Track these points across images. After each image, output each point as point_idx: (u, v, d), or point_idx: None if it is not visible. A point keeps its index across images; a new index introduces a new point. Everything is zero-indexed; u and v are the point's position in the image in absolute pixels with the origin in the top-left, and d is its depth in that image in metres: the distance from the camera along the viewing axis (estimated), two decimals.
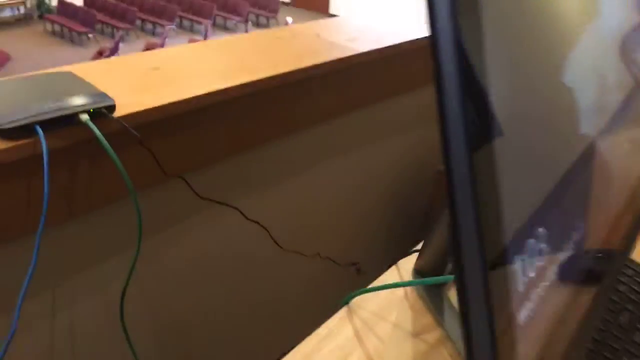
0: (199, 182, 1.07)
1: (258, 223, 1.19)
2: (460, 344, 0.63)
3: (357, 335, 0.65)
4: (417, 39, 1.29)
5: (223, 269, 1.21)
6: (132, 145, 0.91)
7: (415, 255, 0.78)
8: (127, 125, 0.82)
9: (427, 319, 0.68)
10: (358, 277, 1.44)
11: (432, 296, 0.70)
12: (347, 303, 0.70)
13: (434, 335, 0.65)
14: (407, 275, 0.74)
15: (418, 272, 0.72)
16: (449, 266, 0.68)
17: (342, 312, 0.68)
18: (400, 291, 0.72)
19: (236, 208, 1.14)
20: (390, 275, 0.75)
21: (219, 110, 1.02)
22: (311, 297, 1.48)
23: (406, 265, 0.76)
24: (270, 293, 1.35)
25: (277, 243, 1.24)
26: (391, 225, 1.62)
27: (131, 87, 0.94)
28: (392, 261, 1.61)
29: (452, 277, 0.55)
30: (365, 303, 0.70)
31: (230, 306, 1.28)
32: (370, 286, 0.69)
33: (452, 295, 0.72)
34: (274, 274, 1.33)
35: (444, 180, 0.27)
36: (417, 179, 1.63)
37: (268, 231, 1.22)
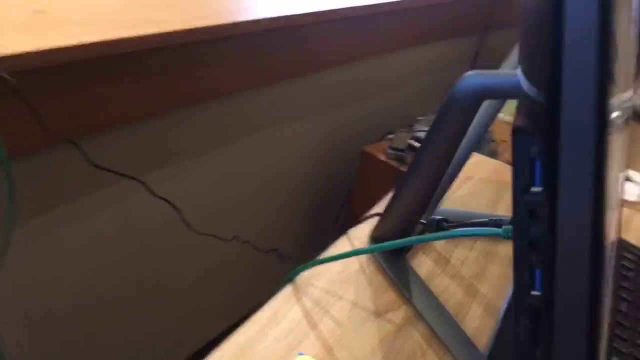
0: (94, 149, 0.87)
1: (167, 201, 1.01)
2: (434, 321, 0.52)
3: (308, 317, 0.51)
4: (351, 8, 1.18)
5: (123, 253, 1.02)
6: (9, 99, 0.71)
7: (368, 224, 0.66)
8: None
9: (390, 295, 0.56)
10: (281, 264, 1.30)
11: (395, 268, 0.58)
12: (291, 280, 0.56)
13: (400, 313, 0.54)
14: (361, 246, 0.62)
15: (376, 240, 0.60)
16: (418, 229, 0.57)
17: (286, 291, 0.55)
18: (354, 264, 0.59)
19: (141, 181, 0.96)
20: (340, 247, 0.62)
21: (118, 65, 0.83)
22: (229, 286, 1.32)
23: (358, 235, 0.64)
24: (182, 282, 1.17)
25: (188, 225, 1.07)
26: (315, 207, 1.51)
27: (8, 30, 0.73)
28: (313, 246, 1.49)
29: (426, 237, 0.44)
30: (314, 279, 0.56)
31: (132, 296, 1.09)
32: (319, 257, 0.56)
33: (420, 264, 0.61)
34: (186, 260, 1.15)
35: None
36: (341, 158, 1.53)
37: (179, 210, 1.04)
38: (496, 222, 0.42)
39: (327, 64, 1.27)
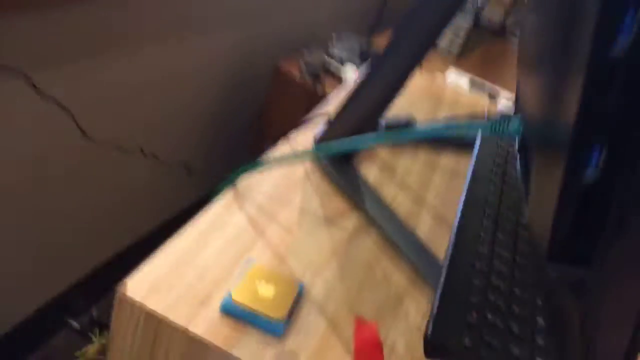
0: None
1: (57, 102, 0.86)
2: (387, 227, 0.49)
3: (254, 224, 0.45)
4: None
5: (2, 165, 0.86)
6: None
7: (310, 128, 0.59)
8: None
9: (339, 201, 0.51)
10: (189, 179, 1.20)
11: (344, 174, 0.53)
12: (231, 183, 0.49)
13: (352, 220, 0.50)
14: (304, 150, 0.56)
15: (322, 143, 0.54)
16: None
17: (227, 197, 0.47)
18: (299, 170, 0.53)
19: (23, 73, 0.80)
20: (282, 152, 0.55)
21: None
22: (135, 199, 1.20)
23: (299, 139, 0.58)
24: (79, 198, 1.04)
25: (84, 132, 0.93)
26: (224, 123, 1.40)
27: None
28: (222, 162, 1.40)
29: (370, 140, 0.39)
30: (257, 185, 0.50)
31: (20, 216, 0.94)
32: (261, 160, 0.49)
33: (366, 173, 0.56)
34: (84, 172, 1.01)
35: None
36: (252, 72, 1.43)
37: (72, 114, 0.89)
38: (475, 119, 0.38)
39: None
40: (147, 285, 0.37)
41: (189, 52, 1.12)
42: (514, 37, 1.99)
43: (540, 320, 0.43)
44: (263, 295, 0.38)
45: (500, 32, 1.98)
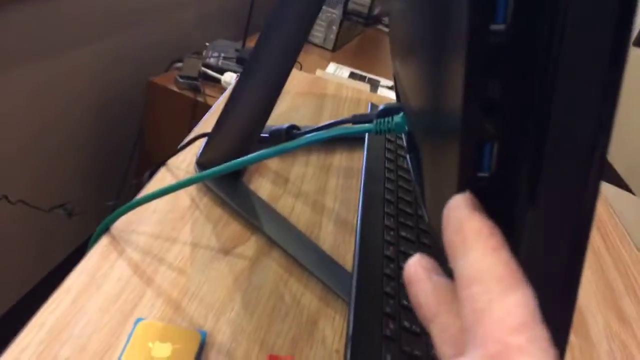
0: None
1: None
2: (290, 246, 0.45)
3: (139, 272, 0.40)
4: None
5: None
6: None
7: (188, 150, 0.54)
8: None
9: (234, 227, 0.47)
10: (71, 221, 1.08)
11: (235, 195, 0.49)
12: (106, 229, 0.43)
13: (250, 245, 0.46)
14: (186, 177, 0.51)
15: (204, 166, 0.50)
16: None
17: (102, 245, 0.41)
18: (183, 199, 0.48)
19: None
20: (161, 182, 0.50)
21: None
22: (9, 254, 1.06)
23: (180, 164, 0.53)
24: None
25: None
26: (101, 153, 1.29)
27: None
28: (106, 196, 1.29)
29: (288, 145, 0.36)
30: (136, 225, 0.44)
31: None
32: (138, 197, 0.43)
33: (258, 188, 0.53)
34: None
35: None
36: (126, 93, 1.32)
37: None
38: (361, 119, 0.36)
39: None
40: None
41: (51, 76, 1.00)
42: (384, 26, 2.06)
43: None
44: (158, 356, 0.33)
45: (369, 22, 2.03)
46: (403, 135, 0.36)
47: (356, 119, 0.37)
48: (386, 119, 0.34)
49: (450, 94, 0.21)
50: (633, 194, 1.66)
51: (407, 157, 0.35)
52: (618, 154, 2.67)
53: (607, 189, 1.54)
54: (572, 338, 0.48)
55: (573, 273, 0.19)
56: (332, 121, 0.39)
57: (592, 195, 0.18)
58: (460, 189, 0.21)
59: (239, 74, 1.35)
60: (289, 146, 0.35)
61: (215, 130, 0.47)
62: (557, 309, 0.20)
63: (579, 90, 0.17)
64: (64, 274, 0.38)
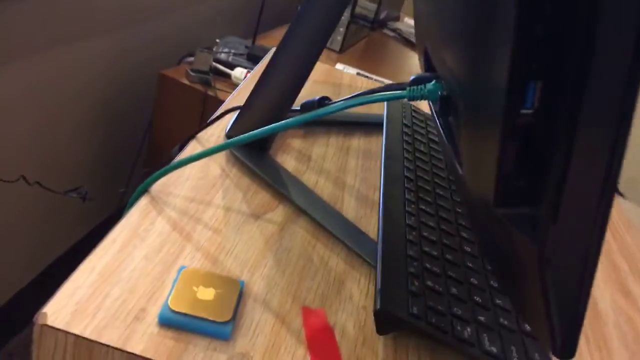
0: None
1: None
2: (317, 214, 0.48)
3: (178, 228, 0.42)
4: None
5: None
6: None
7: (216, 127, 0.57)
8: None
9: (263, 195, 0.49)
10: (83, 205, 1.10)
11: (263, 166, 0.51)
12: (145, 190, 0.45)
13: (279, 212, 0.48)
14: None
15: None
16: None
17: (142, 205, 0.44)
18: (214, 169, 0.51)
19: None
20: (193, 152, 0.52)
21: None
22: (26, 234, 1.07)
23: (210, 138, 0.55)
24: None
25: None
26: (113, 140, 1.31)
27: None
28: (117, 182, 1.31)
29: (293, 121, 0.38)
30: (173, 188, 0.47)
31: None
32: (173, 162, 0.46)
33: (283, 163, 0.55)
34: None
35: None
36: (137, 84, 1.35)
37: None
38: (395, 87, 0.39)
39: None
40: (70, 310, 0.32)
41: (65, 66, 1.03)
42: (389, 30, 2.09)
43: (474, 280, 0.45)
44: (203, 299, 0.35)
45: (375, 25, 2.07)
46: (432, 104, 0.39)
47: (390, 87, 0.39)
48: (419, 86, 0.37)
49: (501, 39, 0.23)
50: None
51: (438, 122, 0.38)
52: None
53: None
54: None
55: (607, 187, 0.21)
56: (366, 90, 0.42)
57: (623, 137, 0.21)
58: (505, 126, 0.24)
59: (250, 70, 1.38)
60: (326, 110, 0.38)
61: (248, 103, 0.50)
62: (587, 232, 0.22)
63: (618, 35, 0.20)
64: (79, 255, 0.39)
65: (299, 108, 0.52)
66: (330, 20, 0.45)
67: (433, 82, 0.37)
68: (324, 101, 0.49)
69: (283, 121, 0.40)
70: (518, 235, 0.25)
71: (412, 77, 0.39)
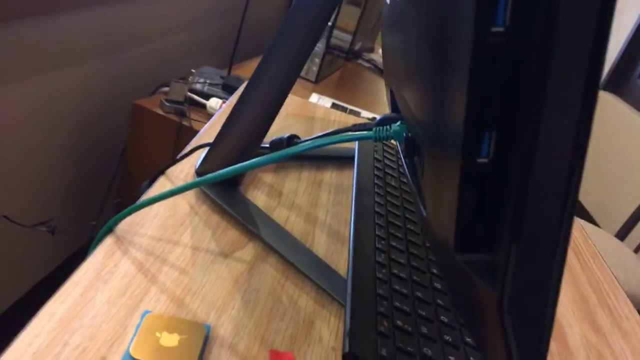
0: None
1: None
2: (287, 251, 0.47)
3: (143, 270, 0.41)
4: None
5: None
6: None
7: (186, 163, 0.56)
8: None
9: (232, 233, 0.49)
10: (53, 239, 1.07)
11: (233, 203, 0.51)
12: (110, 230, 0.44)
13: (248, 250, 0.47)
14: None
15: (204, 175, 0.52)
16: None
17: (106, 244, 0.43)
18: (183, 206, 0.50)
19: None
20: (160, 189, 0.52)
21: None
22: None
23: (178, 174, 0.55)
24: None
25: None
26: (84, 172, 1.29)
27: None
28: (88, 214, 1.29)
29: (294, 149, 0.38)
30: (139, 227, 0.46)
31: None
32: (140, 200, 0.45)
33: (253, 199, 0.55)
34: None
35: None
36: (109, 115, 1.34)
37: None
38: (361, 128, 0.39)
39: (87, 0, 1.06)
40: (28, 358, 0.31)
41: (38, 96, 1.01)
42: (364, 60, 2.13)
43: (444, 318, 0.45)
44: (166, 345, 0.34)
45: (350, 56, 2.10)
46: (399, 144, 0.39)
47: (356, 128, 0.39)
48: (385, 127, 0.37)
49: (455, 91, 0.24)
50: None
51: (404, 162, 0.38)
52: (589, 193, 2.78)
53: (577, 223, 1.61)
54: (552, 345, 0.50)
55: (562, 232, 0.22)
56: (333, 129, 0.42)
57: (575, 186, 0.21)
58: (462, 174, 0.24)
59: (225, 100, 1.38)
60: (293, 150, 0.38)
61: (217, 140, 0.50)
62: (547, 266, 0.23)
63: (565, 87, 0.21)
64: (47, 290, 0.38)
65: (268, 145, 0.52)
66: (298, 59, 0.45)
67: (398, 123, 0.37)
68: (292, 140, 0.49)
69: (251, 161, 0.40)
70: (478, 281, 0.25)
71: (378, 118, 0.40)
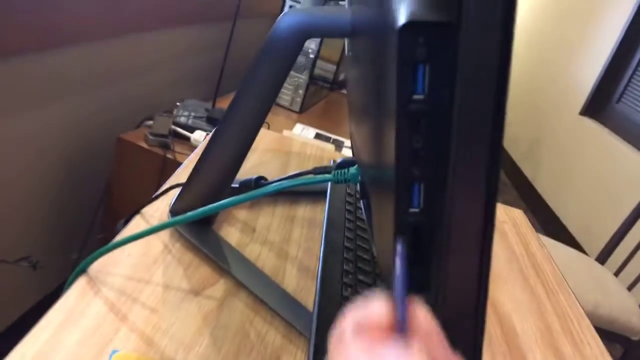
0: None
1: None
2: (257, 288, 0.49)
3: (114, 310, 0.43)
4: None
5: None
6: None
7: (161, 201, 0.58)
8: None
9: (204, 270, 0.51)
10: (35, 273, 1.08)
11: (206, 241, 0.53)
12: (83, 271, 0.46)
13: (219, 287, 0.49)
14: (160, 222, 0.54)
15: (178, 214, 0.54)
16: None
17: (79, 285, 0.44)
18: (156, 245, 0.52)
19: None
20: (135, 229, 0.54)
21: None
22: None
23: (153, 213, 0.56)
24: None
25: None
26: (67, 207, 1.30)
27: None
28: (71, 249, 1.29)
29: (256, 192, 0.41)
30: (112, 267, 0.47)
31: None
32: (114, 241, 0.47)
33: (226, 235, 0.57)
34: None
35: None
36: (93, 150, 1.36)
37: None
38: (322, 171, 0.42)
39: (70, 37, 1.09)
40: None
41: (21, 131, 1.03)
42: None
43: None
44: None
45: (334, 86, 2.15)
46: (358, 185, 0.41)
47: (317, 170, 0.42)
48: (343, 170, 0.40)
49: (386, 146, 0.26)
50: (586, 254, 1.76)
51: (362, 203, 0.40)
52: (571, 216, 2.82)
53: (559, 249, 1.63)
54: None
55: (482, 274, 0.24)
56: (295, 172, 0.44)
57: (491, 211, 0.24)
58: (396, 224, 0.26)
59: (209, 132, 1.41)
60: (257, 193, 0.40)
61: (189, 180, 0.52)
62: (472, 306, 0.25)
63: (473, 143, 0.23)
64: (28, 325, 0.40)
65: (237, 185, 0.54)
66: (264, 103, 0.48)
67: (355, 166, 0.40)
68: (259, 181, 0.52)
69: (218, 203, 0.42)
70: None
71: (338, 161, 0.42)
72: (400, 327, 0.22)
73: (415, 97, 0.23)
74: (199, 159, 0.51)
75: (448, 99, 0.23)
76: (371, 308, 0.24)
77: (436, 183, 0.24)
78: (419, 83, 0.23)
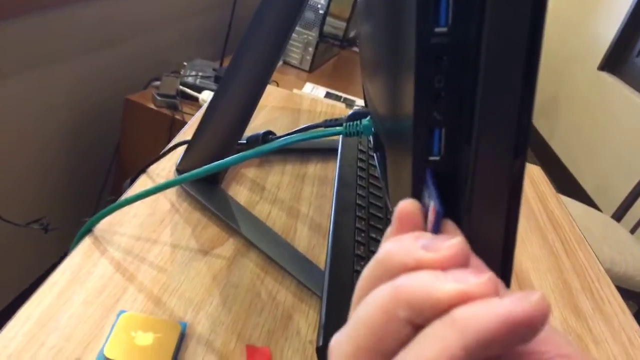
0: None
1: None
2: (266, 246, 0.48)
3: (121, 269, 0.42)
4: None
5: None
6: None
7: (168, 160, 0.57)
8: None
9: (213, 229, 0.49)
10: (47, 237, 1.08)
11: (214, 200, 0.51)
12: (89, 231, 0.45)
13: (228, 246, 0.48)
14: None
15: (184, 172, 0.52)
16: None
17: (85, 245, 0.43)
18: (164, 204, 0.50)
19: None
20: (141, 187, 0.52)
21: None
22: None
23: (159, 171, 0.55)
24: None
25: None
26: (77, 168, 1.29)
27: None
28: (82, 211, 1.29)
29: (265, 147, 0.38)
30: (118, 227, 0.46)
31: None
32: (120, 199, 0.45)
33: (236, 194, 0.55)
34: None
35: None
36: (101, 110, 1.34)
37: None
38: (332, 123, 0.39)
39: None
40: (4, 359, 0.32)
41: (28, 92, 1.02)
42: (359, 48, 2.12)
43: None
44: (141, 344, 0.34)
45: (345, 44, 2.09)
46: (371, 137, 0.39)
47: (328, 123, 0.40)
48: (355, 122, 0.37)
49: (404, 89, 0.24)
50: (601, 211, 1.73)
51: (375, 156, 0.38)
52: (587, 174, 2.78)
53: (575, 207, 1.61)
54: None
55: (510, 230, 0.22)
56: (305, 125, 0.42)
57: (520, 167, 0.22)
58: (415, 173, 0.24)
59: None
60: (265, 149, 0.38)
61: (195, 137, 0.50)
62: (497, 271, 0.23)
63: (502, 85, 0.21)
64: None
65: (245, 142, 0.52)
66: (273, 50, 0.45)
67: (368, 118, 0.37)
68: (267, 136, 0.50)
69: (224, 160, 0.40)
70: None
71: (349, 113, 0.40)
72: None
73: (438, 30, 0.21)
74: (204, 114, 0.49)
75: (475, 33, 0.20)
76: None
77: (459, 129, 0.22)
78: (442, 14, 0.21)
